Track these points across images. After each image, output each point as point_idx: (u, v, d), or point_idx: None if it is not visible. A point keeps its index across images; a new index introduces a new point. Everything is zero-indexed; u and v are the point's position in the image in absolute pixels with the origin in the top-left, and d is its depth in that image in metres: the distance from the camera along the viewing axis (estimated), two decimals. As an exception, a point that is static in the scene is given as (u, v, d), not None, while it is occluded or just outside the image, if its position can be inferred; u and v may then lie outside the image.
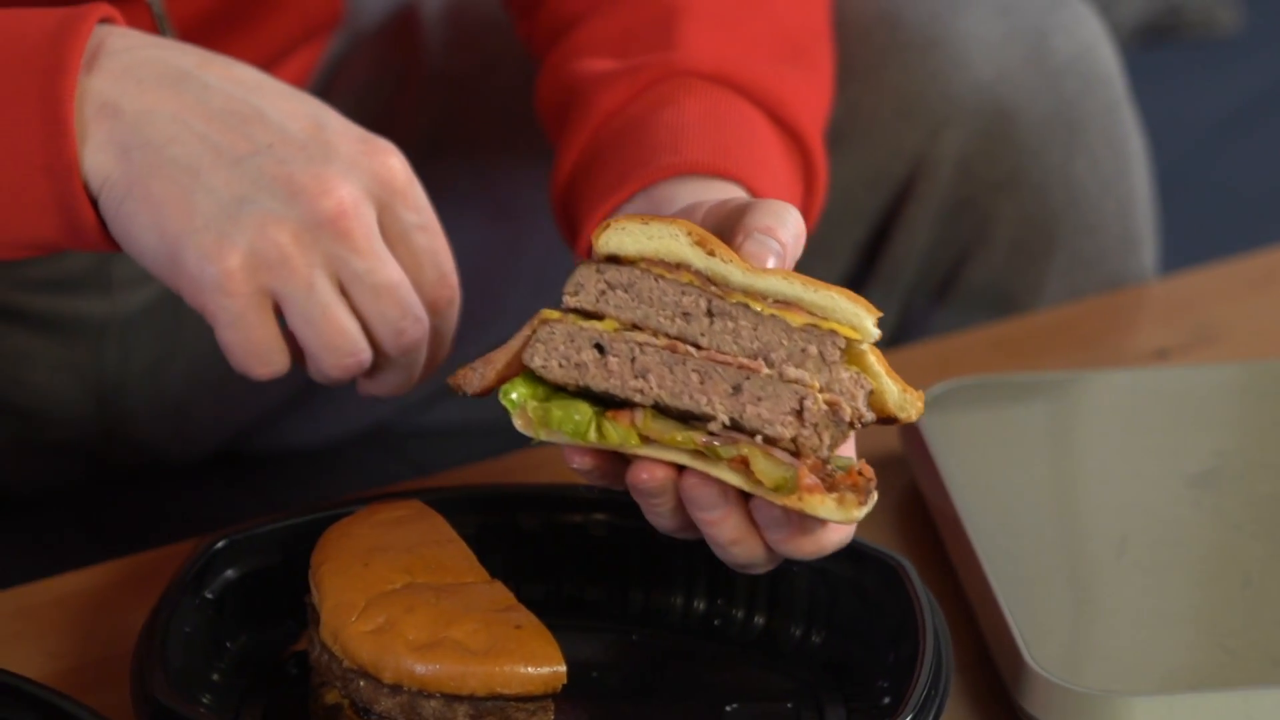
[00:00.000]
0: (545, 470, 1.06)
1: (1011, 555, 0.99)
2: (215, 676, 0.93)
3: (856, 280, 1.29)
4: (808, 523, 0.87)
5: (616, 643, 0.97)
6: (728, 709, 0.93)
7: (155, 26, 1.10)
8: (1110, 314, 1.25)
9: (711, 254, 0.87)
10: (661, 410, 0.86)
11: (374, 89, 1.29)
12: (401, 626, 0.87)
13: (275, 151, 0.89)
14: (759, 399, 0.85)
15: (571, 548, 0.98)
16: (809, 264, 1.25)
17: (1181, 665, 0.95)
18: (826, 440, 0.85)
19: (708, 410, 0.85)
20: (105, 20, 0.91)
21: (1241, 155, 2.22)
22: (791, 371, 0.86)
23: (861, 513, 0.85)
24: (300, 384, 1.30)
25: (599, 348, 0.86)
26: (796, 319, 0.86)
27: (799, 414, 0.85)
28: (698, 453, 0.86)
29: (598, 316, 0.87)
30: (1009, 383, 1.13)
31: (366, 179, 0.90)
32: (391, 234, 0.92)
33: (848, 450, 0.90)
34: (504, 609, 0.88)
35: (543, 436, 0.87)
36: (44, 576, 1.00)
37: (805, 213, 1.06)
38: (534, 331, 0.87)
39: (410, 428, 1.32)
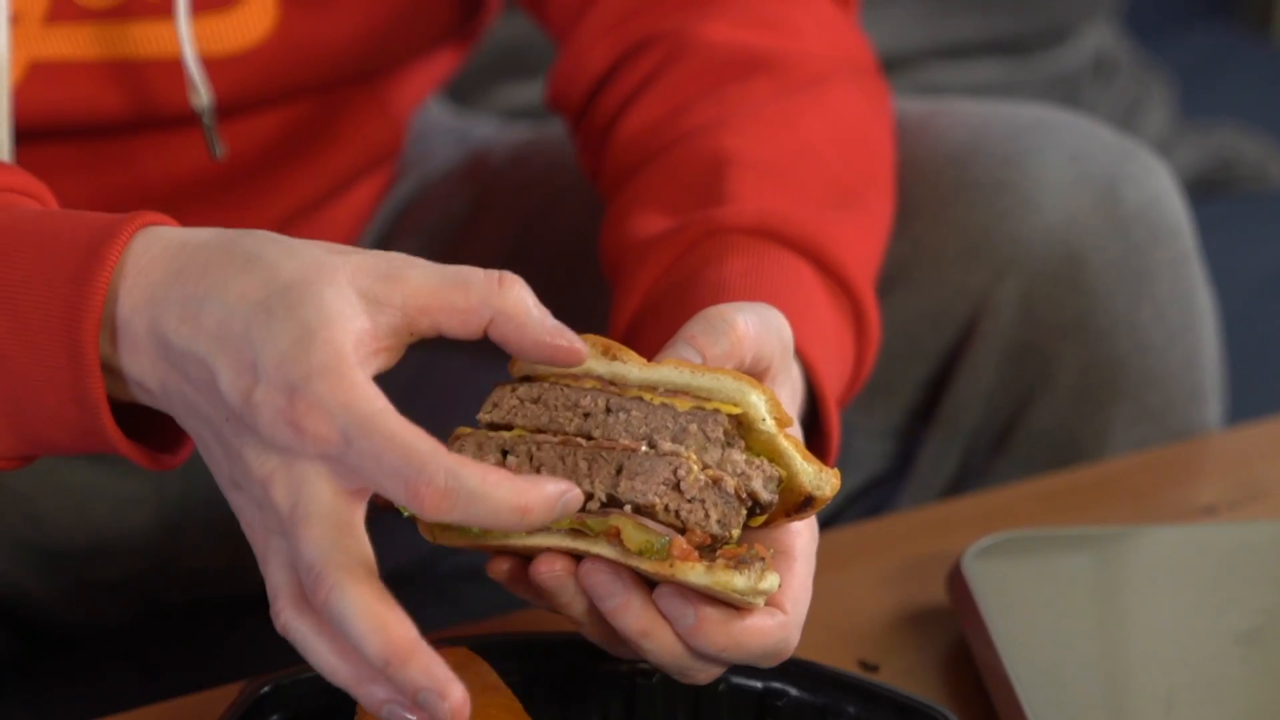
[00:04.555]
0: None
1: (1058, 710, 0.98)
2: (260, 821, 0.93)
3: (918, 422, 1.29)
4: (712, 612, 0.87)
5: (661, 792, 0.96)
6: None
7: (210, 157, 1.12)
8: (1160, 469, 1.25)
9: (614, 359, 0.89)
10: None
11: (441, 230, 1.31)
12: (445, 774, 0.86)
13: (227, 430, 0.86)
14: (635, 474, 0.87)
15: (618, 695, 0.98)
16: (870, 400, 1.26)
17: (1229, 825, 0.95)
18: (714, 516, 0.87)
19: (589, 491, 0.87)
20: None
21: (1297, 309, 2.21)
22: (666, 445, 0.87)
23: (737, 581, 0.86)
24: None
25: (504, 453, 0.88)
26: (684, 404, 0.88)
27: (675, 486, 0.87)
28: (577, 532, 0.87)
29: (509, 428, 0.89)
30: (1056, 537, 1.13)
31: (287, 450, 0.84)
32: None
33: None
34: (548, 757, 0.88)
35: (438, 539, 0.89)
36: (91, 718, 1.01)
37: (859, 359, 1.06)
38: (448, 446, 0.88)
39: (454, 568, 1.32)
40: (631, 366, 0.89)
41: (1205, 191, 2.27)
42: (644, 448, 0.87)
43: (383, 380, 0.92)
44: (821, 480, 0.89)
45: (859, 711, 0.95)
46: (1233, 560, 1.11)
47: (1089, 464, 1.25)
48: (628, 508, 0.87)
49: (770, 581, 0.87)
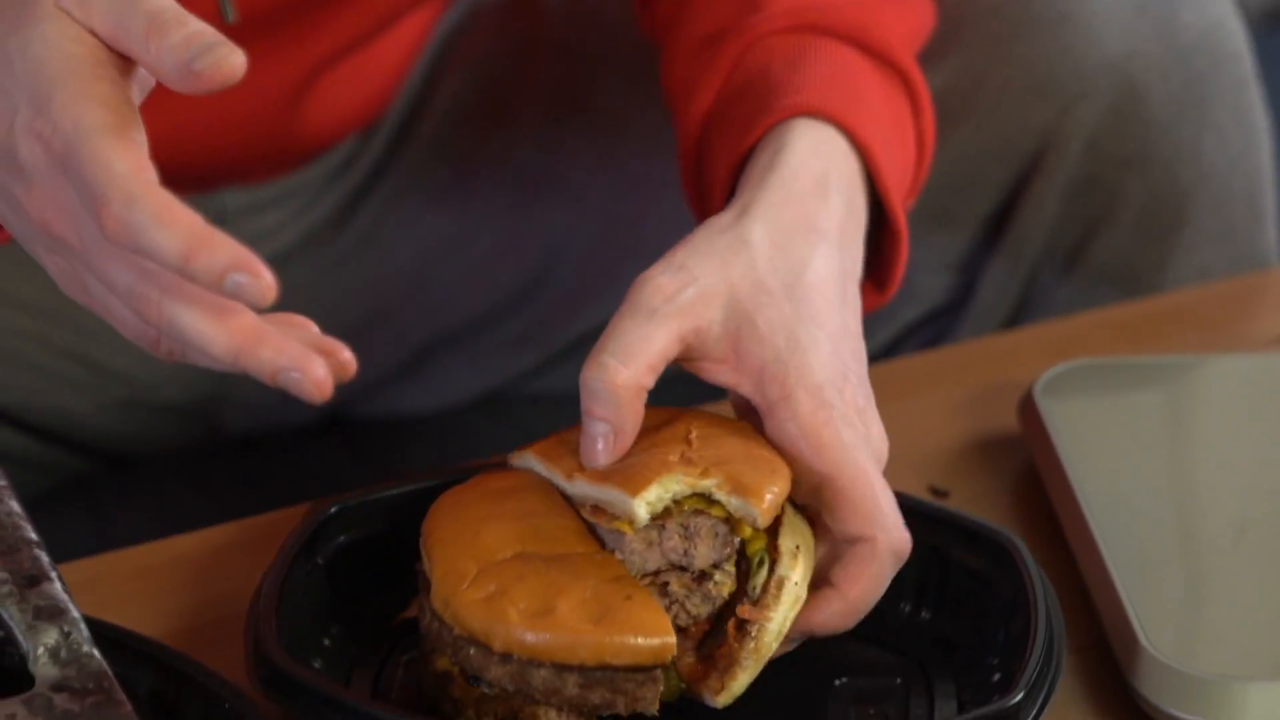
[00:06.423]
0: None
1: (1129, 538, 0.98)
2: (326, 641, 0.93)
3: (981, 253, 1.28)
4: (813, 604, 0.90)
5: (726, 617, 0.97)
6: (836, 683, 0.93)
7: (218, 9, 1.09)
8: (1231, 298, 1.24)
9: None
10: None
11: (492, 61, 1.29)
12: (512, 595, 0.87)
13: (6, 180, 0.84)
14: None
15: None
16: (931, 234, 1.25)
17: (1299, 652, 0.94)
18: (705, 609, 0.88)
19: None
20: None
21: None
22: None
23: (741, 682, 0.88)
24: (410, 351, 1.31)
25: None
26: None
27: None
28: None
29: None
30: (1128, 365, 1.12)
31: (47, 176, 0.83)
32: None
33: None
34: (614, 580, 0.88)
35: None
36: (159, 538, 1.01)
37: (920, 138, 1.04)
38: None
39: (523, 394, 1.32)
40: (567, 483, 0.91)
41: (1275, 24, 2.24)
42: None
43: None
44: (747, 509, 0.88)
45: (928, 537, 0.95)
46: (1305, 389, 1.11)
47: (1156, 294, 1.25)
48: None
49: (757, 659, 0.88)
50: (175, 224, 0.78)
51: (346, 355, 0.82)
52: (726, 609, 0.89)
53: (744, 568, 0.89)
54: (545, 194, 1.29)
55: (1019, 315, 1.28)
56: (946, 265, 1.29)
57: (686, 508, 0.88)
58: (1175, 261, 1.25)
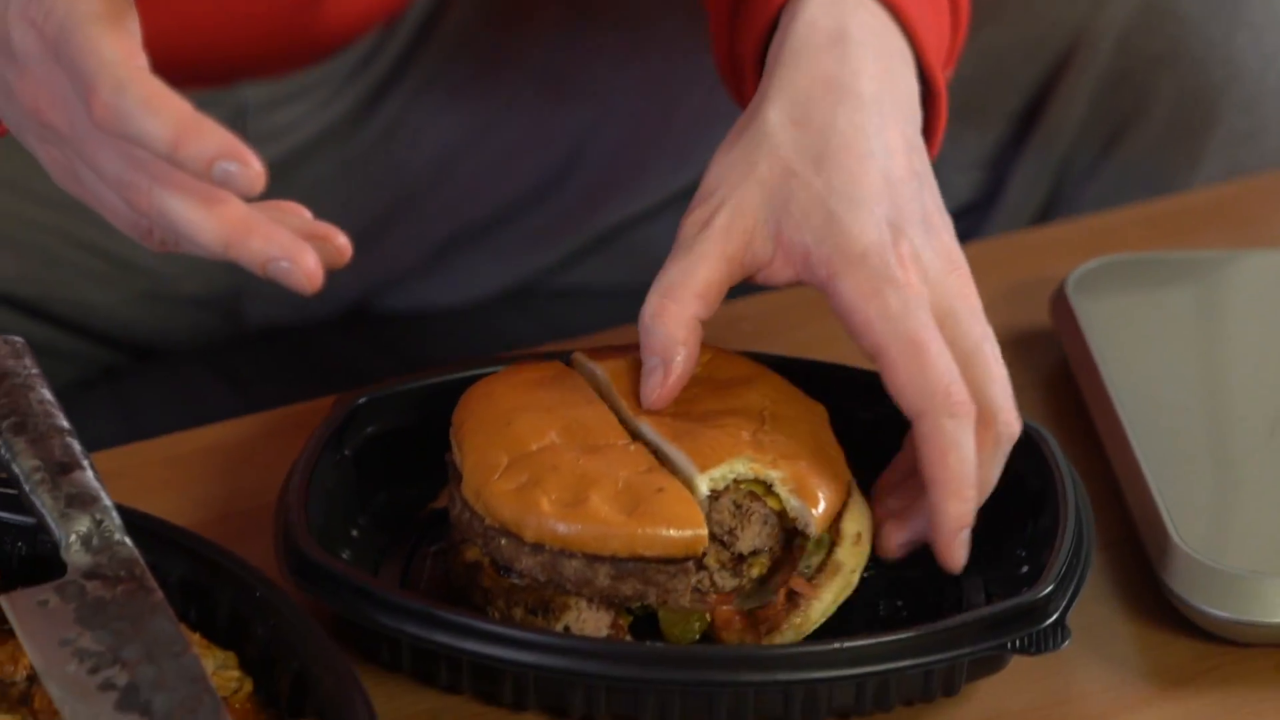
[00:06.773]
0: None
1: (1160, 433, 0.98)
2: (354, 532, 0.93)
3: (1011, 150, 1.27)
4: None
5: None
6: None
7: None
8: (1264, 194, 1.23)
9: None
10: None
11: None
12: (544, 485, 0.87)
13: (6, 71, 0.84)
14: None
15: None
16: (961, 131, 1.24)
17: (1330, 548, 0.94)
18: (731, 584, 0.88)
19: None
20: None
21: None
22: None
23: (788, 635, 0.88)
24: (432, 245, 1.30)
25: None
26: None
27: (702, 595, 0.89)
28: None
29: None
30: (1161, 260, 1.11)
31: (40, 60, 0.83)
32: None
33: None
34: (646, 471, 0.88)
35: None
36: (186, 428, 1.01)
37: (954, 4, 1.03)
38: None
39: (546, 289, 1.32)
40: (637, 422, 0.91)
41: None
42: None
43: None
44: (803, 513, 0.88)
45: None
46: (1340, 285, 1.11)
47: (1188, 190, 1.24)
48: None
49: (804, 618, 0.88)
50: (164, 111, 0.78)
51: (341, 240, 0.81)
52: (769, 574, 0.89)
53: (790, 547, 0.90)
54: (568, 89, 1.28)
55: (1048, 213, 1.28)
56: (976, 162, 1.28)
57: (743, 488, 0.89)
58: (1206, 160, 1.25)
